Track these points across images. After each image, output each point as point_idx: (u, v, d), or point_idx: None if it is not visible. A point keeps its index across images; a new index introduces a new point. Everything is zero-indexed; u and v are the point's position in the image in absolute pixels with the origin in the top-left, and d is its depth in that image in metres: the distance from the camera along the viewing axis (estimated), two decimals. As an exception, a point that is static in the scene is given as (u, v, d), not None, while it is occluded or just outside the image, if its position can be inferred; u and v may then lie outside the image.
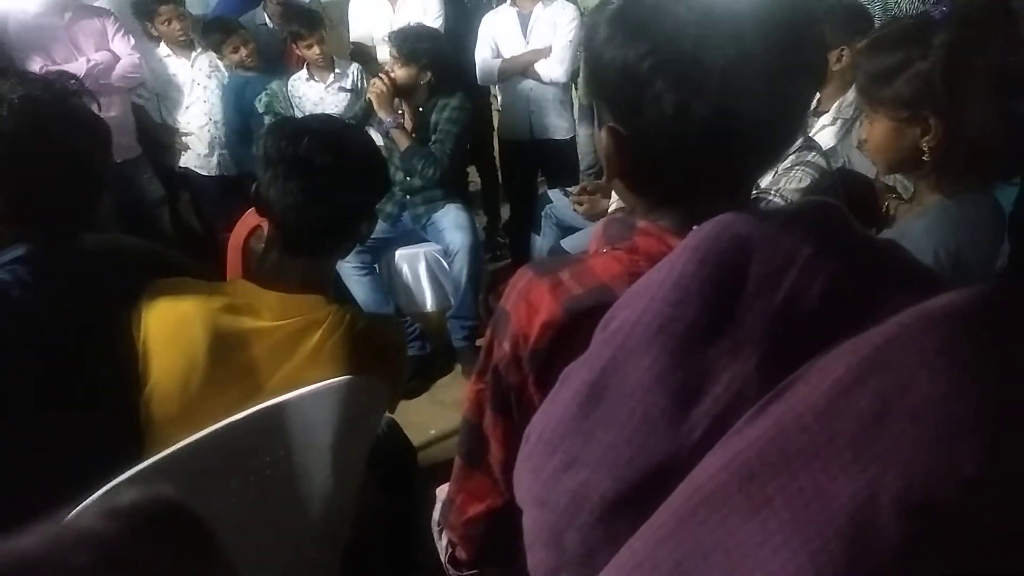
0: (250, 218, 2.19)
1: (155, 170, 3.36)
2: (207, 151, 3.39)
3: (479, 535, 0.81)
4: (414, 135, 2.79)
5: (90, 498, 0.90)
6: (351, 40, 3.54)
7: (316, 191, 1.18)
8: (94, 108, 1.19)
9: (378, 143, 2.39)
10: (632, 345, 0.52)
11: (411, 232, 2.94)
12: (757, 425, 0.45)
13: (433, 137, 2.80)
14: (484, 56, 3.23)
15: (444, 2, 3.35)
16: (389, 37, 2.84)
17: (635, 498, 0.50)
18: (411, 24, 2.96)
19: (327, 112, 3.01)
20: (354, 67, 3.32)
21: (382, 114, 2.73)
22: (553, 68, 3.15)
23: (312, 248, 1.24)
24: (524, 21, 3.19)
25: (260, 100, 3.19)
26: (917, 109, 1.12)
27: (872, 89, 1.18)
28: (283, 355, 1.16)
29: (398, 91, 2.77)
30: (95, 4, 3.26)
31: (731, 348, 0.50)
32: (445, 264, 2.88)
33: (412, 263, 2.90)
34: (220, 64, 3.33)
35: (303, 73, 3.22)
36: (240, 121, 3.26)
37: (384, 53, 3.15)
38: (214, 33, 3.29)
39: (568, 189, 2.76)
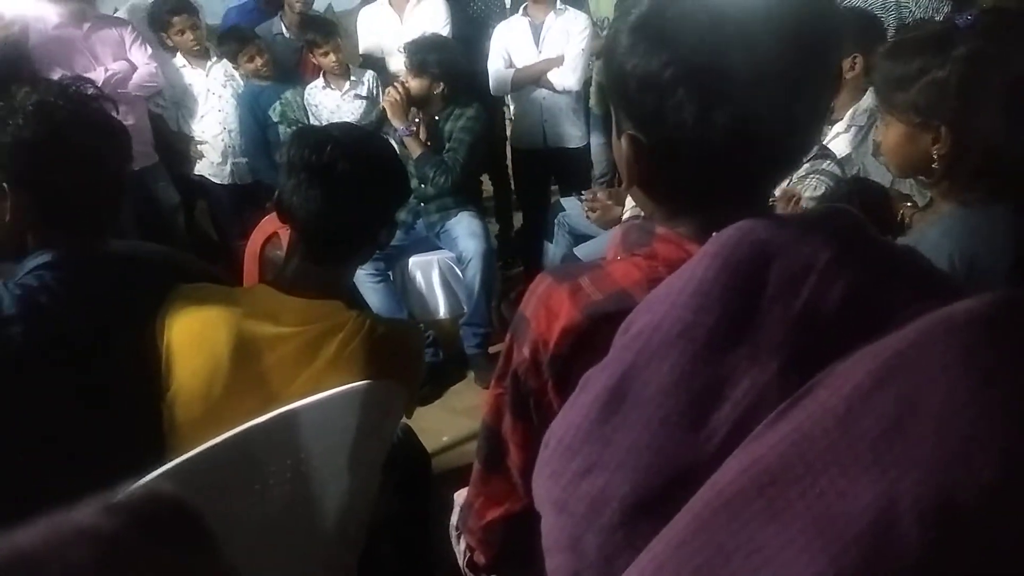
0: (266, 225, 2.21)
1: (171, 178, 3.40)
2: (220, 160, 3.42)
3: (498, 539, 0.82)
4: (428, 144, 2.82)
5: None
6: (360, 52, 3.57)
7: (338, 199, 1.19)
8: (112, 113, 1.20)
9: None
10: (652, 350, 0.52)
11: (425, 240, 2.96)
12: (777, 430, 0.45)
13: (447, 146, 2.82)
14: (497, 66, 3.24)
15: (451, 12, 3.36)
16: (404, 48, 2.87)
17: (655, 503, 0.51)
18: (425, 35, 2.99)
19: (343, 119, 3.04)
20: (369, 75, 3.35)
21: (395, 122, 2.76)
22: (566, 77, 3.16)
23: (333, 255, 1.25)
24: (536, 31, 3.20)
25: (274, 109, 3.22)
26: (929, 117, 1.12)
27: (888, 93, 1.18)
28: (304, 360, 1.17)
29: (413, 101, 2.79)
30: (113, 15, 3.31)
31: (751, 353, 0.50)
32: (458, 271, 2.89)
33: (425, 270, 2.91)
34: (236, 74, 3.36)
35: (319, 81, 3.25)
36: (257, 130, 3.30)
37: (395, 63, 3.17)
38: (229, 43, 3.33)
39: (581, 193, 2.76)
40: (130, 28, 3.21)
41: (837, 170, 1.77)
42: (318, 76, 3.28)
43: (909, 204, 1.54)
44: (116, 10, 3.59)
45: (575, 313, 0.66)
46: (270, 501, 1.11)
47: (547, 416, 0.65)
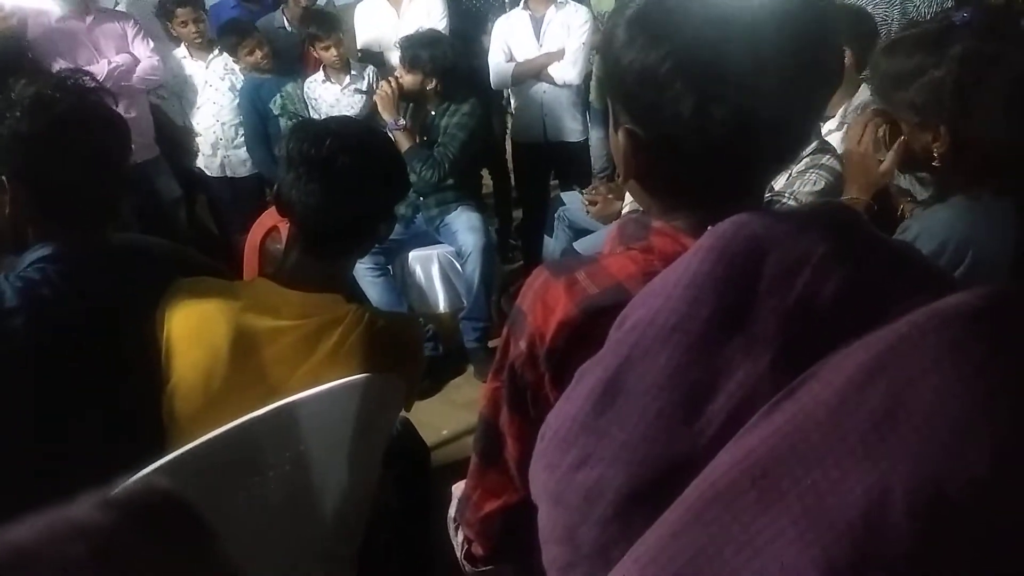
0: (266, 219, 2.22)
1: (172, 171, 3.40)
2: (211, 152, 3.43)
3: (495, 531, 0.82)
4: (425, 139, 2.82)
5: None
6: (358, 47, 3.57)
7: (337, 192, 1.19)
8: (112, 105, 1.19)
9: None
10: (647, 343, 0.53)
11: (424, 234, 2.96)
12: (770, 422, 0.46)
13: (439, 140, 2.82)
14: (497, 60, 3.24)
15: (449, 7, 3.36)
16: (399, 43, 2.88)
17: (649, 494, 0.51)
18: (420, 30, 2.98)
19: (343, 113, 3.04)
20: (370, 69, 3.35)
21: (385, 116, 2.78)
22: (567, 71, 3.16)
23: (332, 248, 1.26)
24: (537, 24, 3.19)
25: (275, 102, 3.22)
26: (928, 116, 1.12)
27: (887, 91, 1.19)
28: (303, 353, 1.18)
29: (406, 96, 2.80)
30: (116, 8, 3.31)
31: (745, 346, 0.50)
32: (458, 266, 2.89)
33: (425, 265, 2.91)
34: (235, 67, 3.36)
35: (319, 75, 3.25)
36: (258, 122, 3.30)
37: (394, 58, 3.17)
38: (229, 36, 3.33)
39: (581, 189, 2.77)
40: (132, 22, 3.21)
41: (837, 165, 1.76)
42: (319, 70, 3.27)
43: (908, 199, 1.54)
44: (117, 3, 3.59)
45: (571, 307, 0.66)
46: (269, 494, 1.12)
47: (544, 409, 0.66)
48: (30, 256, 1.11)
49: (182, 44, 3.38)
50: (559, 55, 3.16)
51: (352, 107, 3.22)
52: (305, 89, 3.23)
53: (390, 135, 2.74)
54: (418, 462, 1.64)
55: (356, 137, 1.23)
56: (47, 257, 1.10)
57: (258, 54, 3.30)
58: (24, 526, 0.32)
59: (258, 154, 3.34)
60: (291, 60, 3.52)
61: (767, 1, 0.61)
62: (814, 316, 0.51)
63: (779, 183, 1.79)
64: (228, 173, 3.47)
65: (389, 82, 2.79)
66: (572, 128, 3.31)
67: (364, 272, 2.73)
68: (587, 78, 3.39)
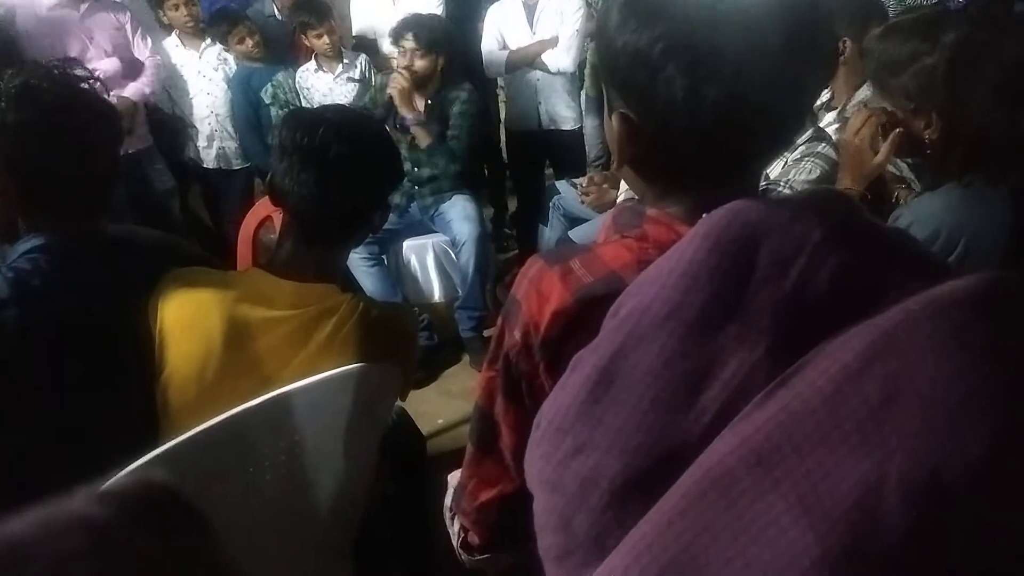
0: (260, 209, 2.21)
1: (166, 161, 3.38)
2: (206, 144, 3.40)
3: (491, 520, 0.82)
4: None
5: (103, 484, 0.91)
6: (353, 34, 3.55)
7: (331, 181, 1.19)
8: (103, 94, 1.18)
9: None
10: (642, 331, 0.53)
11: (419, 223, 2.95)
12: (765, 410, 0.46)
13: (449, 133, 2.81)
14: (491, 48, 3.22)
15: None
16: (402, 28, 2.81)
17: (644, 482, 0.51)
18: (420, 14, 2.96)
19: (336, 102, 3.02)
20: (362, 57, 3.33)
21: (404, 111, 2.73)
22: (560, 58, 3.14)
23: (326, 238, 1.25)
24: (530, 11, 3.17)
25: (266, 91, 3.20)
26: (921, 103, 1.12)
27: (882, 77, 1.19)
28: (297, 343, 1.17)
29: (417, 83, 2.77)
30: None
31: (740, 334, 0.50)
32: (453, 255, 2.89)
33: (420, 254, 2.91)
34: (229, 57, 3.32)
35: (311, 64, 3.22)
36: (250, 112, 3.27)
37: (387, 46, 3.15)
38: (220, 24, 3.30)
39: (575, 180, 2.76)
40: (127, 13, 3.17)
41: (832, 153, 1.76)
42: (310, 58, 3.25)
43: (904, 187, 1.54)
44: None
45: (566, 296, 0.66)
46: (264, 484, 1.12)
47: (539, 398, 0.66)
48: (22, 246, 1.10)
49: (173, 32, 3.34)
50: (552, 42, 3.14)
51: (345, 96, 3.20)
52: (297, 78, 3.20)
53: (403, 131, 2.72)
54: (414, 451, 1.64)
55: (349, 126, 1.23)
56: (38, 248, 1.10)
57: (249, 43, 3.27)
58: (18, 519, 0.32)
59: (250, 143, 3.32)
60: (282, 49, 3.49)
61: None
62: (809, 304, 0.51)
63: (775, 171, 1.79)
64: (223, 165, 3.44)
65: (403, 75, 2.73)
66: (566, 116, 3.29)
67: (358, 262, 2.72)
68: (581, 66, 3.38)
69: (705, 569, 0.44)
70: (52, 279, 1.08)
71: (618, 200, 2.32)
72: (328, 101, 3.09)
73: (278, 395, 1.07)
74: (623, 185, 2.30)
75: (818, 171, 1.75)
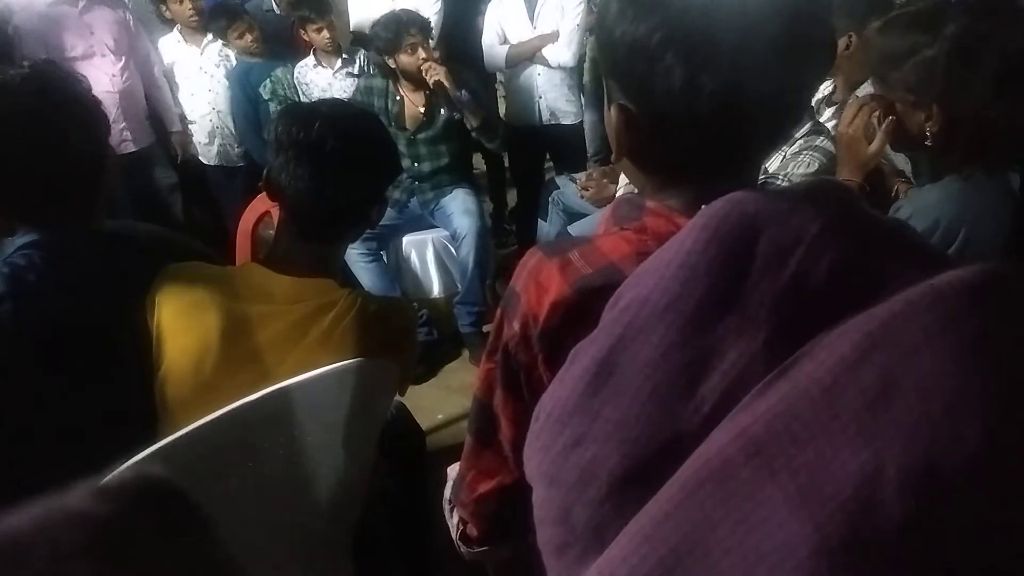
0: (258, 204, 2.20)
1: (168, 158, 3.37)
2: (207, 140, 3.39)
3: (490, 512, 0.83)
4: (426, 119, 2.80)
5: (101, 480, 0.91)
6: (351, 28, 3.54)
7: (327, 176, 1.18)
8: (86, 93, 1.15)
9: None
10: (640, 323, 0.52)
11: (418, 218, 2.95)
12: (764, 400, 0.45)
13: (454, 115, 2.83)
14: (491, 42, 3.21)
15: None
16: (400, 27, 2.77)
17: (643, 474, 0.51)
18: (397, 11, 2.92)
19: (335, 98, 3.01)
20: (361, 53, 3.32)
21: (453, 92, 2.72)
22: (561, 52, 3.14)
23: (323, 233, 1.25)
24: (531, 6, 3.17)
25: (264, 86, 3.19)
26: (921, 95, 1.12)
27: (882, 70, 1.19)
28: (295, 338, 1.17)
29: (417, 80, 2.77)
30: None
31: (738, 325, 0.50)
32: (453, 250, 2.89)
33: (420, 249, 2.91)
34: (230, 54, 3.31)
35: (310, 60, 3.21)
36: (249, 106, 3.27)
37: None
38: (219, 19, 3.28)
39: (574, 175, 2.76)
40: (125, 9, 3.16)
41: (831, 146, 1.76)
42: (308, 54, 3.24)
43: (902, 179, 1.54)
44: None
45: (565, 287, 0.66)
46: (263, 480, 1.12)
47: (538, 390, 0.66)
48: (16, 242, 1.10)
49: (174, 29, 3.32)
50: (553, 37, 3.14)
51: (345, 91, 3.19)
52: (296, 74, 3.20)
53: (456, 111, 2.74)
54: (414, 447, 1.64)
55: (346, 120, 1.22)
56: (32, 243, 1.09)
57: (248, 38, 3.25)
58: (17, 514, 0.32)
59: (249, 139, 3.31)
60: (280, 44, 3.48)
61: None
62: (808, 295, 0.51)
63: (773, 165, 1.79)
64: (224, 162, 3.43)
65: (433, 64, 2.73)
66: (567, 111, 3.29)
67: (356, 258, 2.72)
68: (581, 60, 3.37)
69: (704, 559, 0.44)
70: (46, 275, 1.07)
71: (617, 194, 2.32)
72: (327, 96, 3.08)
73: (276, 390, 1.07)
74: (622, 179, 2.30)
75: (816, 164, 1.75)
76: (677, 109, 0.63)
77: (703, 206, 0.55)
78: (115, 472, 0.84)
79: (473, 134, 2.83)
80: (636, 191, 0.76)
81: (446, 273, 2.94)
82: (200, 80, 3.32)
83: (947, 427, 0.41)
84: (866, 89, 2.10)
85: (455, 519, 0.88)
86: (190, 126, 3.39)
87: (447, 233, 2.88)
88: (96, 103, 1.17)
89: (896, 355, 0.43)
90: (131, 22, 3.16)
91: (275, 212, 1.31)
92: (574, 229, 2.63)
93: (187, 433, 1.01)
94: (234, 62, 3.32)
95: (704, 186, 0.63)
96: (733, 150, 0.67)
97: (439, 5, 3.29)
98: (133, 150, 3.10)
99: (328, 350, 1.17)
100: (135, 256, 1.21)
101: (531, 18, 3.18)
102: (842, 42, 2.10)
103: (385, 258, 2.88)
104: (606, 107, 0.71)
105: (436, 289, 2.95)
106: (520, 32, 3.19)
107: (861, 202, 0.58)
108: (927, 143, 1.15)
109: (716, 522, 0.44)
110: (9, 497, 0.33)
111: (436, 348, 2.90)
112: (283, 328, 1.17)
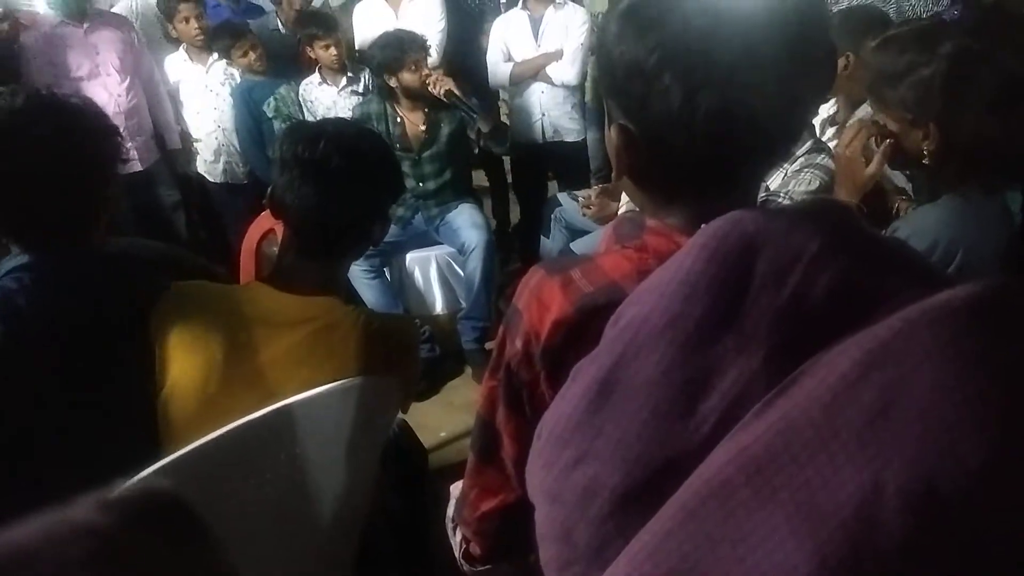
0: (263, 222, 2.21)
1: (171, 175, 3.39)
2: (212, 158, 3.41)
3: (492, 530, 0.82)
4: (427, 136, 2.82)
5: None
6: (356, 47, 3.57)
7: (332, 194, 1.19)
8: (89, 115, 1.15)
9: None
10: (641, 341, 0.53)
11: (422, 235, 2.96)
12: (764, 419, 0.46)
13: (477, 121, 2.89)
14: (495, 60, 3.24)
15: (447, 6, 3.36)
16: (402, 48, 2.81)
17: (644, 492, 0.51)
18: (391, 31, 2.95)
19: (340, 116, 3.03)
20: (366, 71, 3.34)
21: (465, 100, 2.76)
22: (565, 71, 3.16)
23: (327, 250, 1.26)
24: (535, 24, 3.20)
25: (269, 104, 3.21)
26: (918, 114, 1.13)
27: (879, 89, 1.19)
28: (301, 358, 1.18)
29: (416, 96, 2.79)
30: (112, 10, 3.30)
31: (738, 344, 0.50)
32: (457, 267, 2.89)
33: (423, 266, 2.91)
34: (235, 72, 3.33)
35: (315, 77, 3.24)
36: (252, 124, 3.29)
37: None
38: (223, 37, 3.31)
39: (576, 192, 2.77)
40: (130, 28, 3.19)
41: (832, 164, 1.76)
42: (313, 71, 3.26)
43: (903, 197, 1.55)
44: (112, 5, 3.58)
45: (566, 306, 0.67)
46: (266, 497, 1.12)
47: (540, 408, 0.66)
48: (7, 264, 1.10)
49: (180, 47, 3.36)
50: (557, 55, 3.16)
51: (349, 109, 3.22)
52: (301, 91, 3.22)
53: (471, 120, 2.79)
54: (416, 464, 1.64)
55: (350, 139, 1.24)
56: (23, 266, 1.09)
57: (251, 56, 3.28)
58: (23, 526, 0.32)
59: (253, 156, 3.32)
60: (285, 63, 3.52)
61: None
62: (807, 313, 0.51)
63: (775, 182, 1.80)
64: (230, 180, 3.45)
65: (439, 76, 2.79)
66: (570, 128, 3.31)
67: (359, 274, 2.73)
68: (584, 78, 3.40)
69: (704, 578, 0.44)
70: (37, 297, 1.07)
71: (619, 212, 2.33)
72: (332, 114, 3.10)
73: (280, 408, 1.07)
74: (624, 197, 2.30)
75: (817, 182, 1.75)
76: (675, 129, 0.63)
77: (703, 225, 0.56)
78: (122, 487, 0.84)
79: (481, 141, 2.85)
80: (637, 209, 0.77)
81: (449, 290, 2.94)
82: (205, 98, 3.34)
83: (947, 445, 0.41)
84: (867, 108, 2.11)
85: (458, 538, 0.88)
86: (196, 144, 3.41)
87: (451, 250, 2.88)
88: (98, 127, 1.16)
89: (896, 373, 0.43)
90: (136, 41, 3.19)
91: (279, 229, 1.32)
92: (576, 246, 2.64)
93: (191, 450, 1.01)
94: (239, 80, 3.34)
95: (704, 205, 0.64)
96: (732, 169, 0.67)
97: (443, 23, 3.33)
98: (139, 169, 3.12)
99: (332, 367, 1.17)
100: (138, 274, 1.21)
101: (535, 36, 3.20)
102: (840, 62, 2.11)
103: (388, 275, 2.88)
104: (606, 126, 0.72)
105: (439, 306, 2.95)
106: (524, 50, 3.22)
107: (860, 221, 0.59)
108: (924, 161, 1.16)
109: (717, 541, 0.44)
110: (10, 515, 0.33)
111: (439, 365, 2.89)
112: (288, 348, 1.17)
